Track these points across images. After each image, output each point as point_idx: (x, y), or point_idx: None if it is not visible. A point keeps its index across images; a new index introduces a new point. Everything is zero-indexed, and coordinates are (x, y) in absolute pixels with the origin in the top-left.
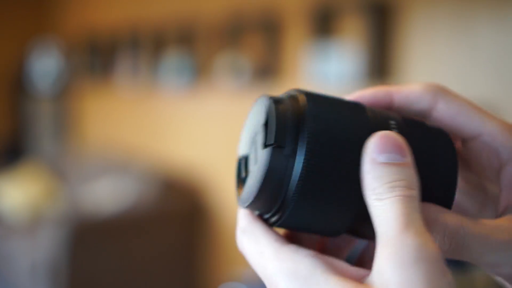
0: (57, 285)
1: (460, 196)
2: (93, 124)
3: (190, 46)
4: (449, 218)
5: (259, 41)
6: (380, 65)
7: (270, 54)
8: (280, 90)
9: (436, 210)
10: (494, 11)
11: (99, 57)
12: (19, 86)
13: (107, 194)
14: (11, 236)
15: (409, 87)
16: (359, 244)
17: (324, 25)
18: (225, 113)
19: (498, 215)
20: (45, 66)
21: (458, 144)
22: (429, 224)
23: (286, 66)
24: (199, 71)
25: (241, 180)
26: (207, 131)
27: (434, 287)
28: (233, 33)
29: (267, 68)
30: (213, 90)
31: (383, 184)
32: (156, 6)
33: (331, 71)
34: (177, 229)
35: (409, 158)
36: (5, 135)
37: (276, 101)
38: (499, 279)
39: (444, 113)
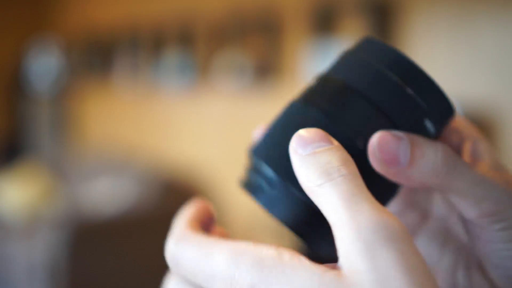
0: (56, 286)
1: None
2: (92, 123)
3: (190, 46)
4: (438, 145)
5: (259, 40)
6: None
7: (271, 53)
8: (281, 89)
9: (423, 140)
10: (494, 11)
11: (98, 56)
12: (17, 85)
13: (106, 195)
14: (9, 237)
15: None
16: None
17: (324, 25)
18: (225, 113)
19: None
20: (44, 65)
21: None
22: (421, 149)
23: (286, 65)
24: (199, 71)
25: None
26: (207, 131)
27: (409, 268)
28: (233, 32)
29: (268, 67)
30: (213, 90)
31: (317, 171)
32: (155, 5)
33: None
34: None
35: (336, 142)
36: (4, 134)
37: None
38: (479, 222)
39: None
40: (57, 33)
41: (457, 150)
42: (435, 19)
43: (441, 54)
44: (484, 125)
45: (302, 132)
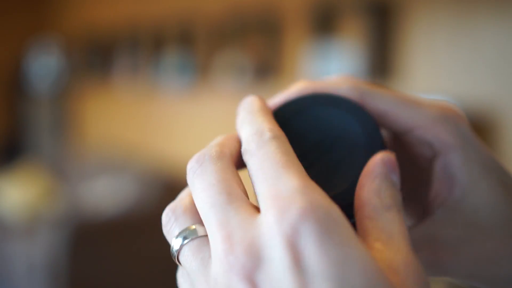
0: (56, 286)
1: None
2: (92, 123)
3: (190, 46)
4: None
5: (259, 40)
6: (380, 65)
7: (271, 53)
8: (280, 89)
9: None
10: (495, 11)
11: (98, 56)
12: (17, 85)
13: (106, 195)
14: (9, 237)
15: (334, 85)
16: None
17: (324, 25)
18: (225, 113)
19: (429, 206)
20: (44, 65)
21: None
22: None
23: (286, 65)
24: (199, 71)
25: None
26: (207, 130)
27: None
28: (233, 32)
29: (268, 67)
30: (213, 90)
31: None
32: (155, 5)
33: (332, 70)
34: None
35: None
36: (4, 134)
37: None
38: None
39: (373, 111)
40: (57, 33)
41: (429, 165)
42: (435, 19)
43: (441, 54)
44: (484, 125)
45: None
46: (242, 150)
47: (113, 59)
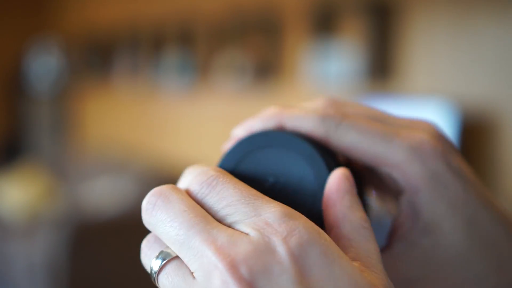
0: (56, 286)
1: None
2: (92, 123)
3: (190, 46)
4: None
5: (259, 40)
6: (380, 65)
7: (271, 53)
8: (280, 89)
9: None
10: (495, 11)
11: (98, 56)
12: (17, 85)
13: (106, 195)
14: (9, 237)
15: (300, 120)
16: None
17: (324, 25)
18: (225, 113)
19: (390, 235)
20: (44, 65)
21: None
22: None
23: (286, 65)
24: (199, 71)
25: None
26: (207, 130)
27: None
28: (233, 32)
29: (268, 67)
30: (213, 90)
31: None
32: (155, 5)
33: (332, 70)
34: None
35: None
36: (4, 134)
37: None
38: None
39: (339, 147)
40: (57, 33)
41: (395, 198)
42: (435, 19)
43: (441, 54)
44: (483, 125)
45: None
46: (196, 195)
47: (113, 59)
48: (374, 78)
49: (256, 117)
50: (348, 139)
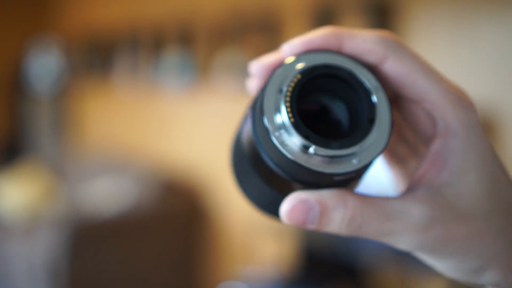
0: (56, 286)
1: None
2: (92, 123)
3: (190, 46)
4: (348, 206)
5: (259, 40)
6: None
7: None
8: None
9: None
10: (494, 11)
11: (98, 56)
12: (17, 85)
13: (106, 195)
14: (10, 237)
15: (362, 36)
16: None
17: (324, 25)
18: (225, 113)
19: (411, 184)
20: (44, 65)
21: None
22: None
23: None
24: (199, 71)
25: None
26: (207, 131)
27: None
28: (233, 32)
29: None
30: (213, 90)
31: None
32: (155, 5)
33: None
34: (177, 229)
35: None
36: (4, 134)
37: None
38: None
39: (392, 71)
40: (57, 33)
41: (428, 141)
42: (435, 19)
43: (441, 54)
44: (484, 126)
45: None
46: None
47: (113, 59)
48: None
49: (313, 32)
50: (404, 64)
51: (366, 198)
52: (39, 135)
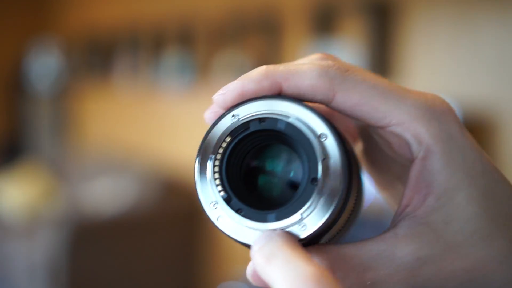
0: (56, 286)
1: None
2: (92, 123)
3: (190, 46)
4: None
5: (259, 40)
6: (380, 65)
7: (271, 53)
8: None
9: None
10: (494, 11)
11: (98, 56)
12: (17, 85)
13: (106, 195)
14: (10, 236)
15: (300, 74)
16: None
17: (324, 25)
18: None
19: (397, 215)
20: (44, 65)
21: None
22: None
23: None
24: (199, 71)
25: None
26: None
27: None
28: (233, 32)
29: None
30: (213, 90)
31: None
32: (155, 5)
33: None
34: (177, 229)
35: None
36: (4, 134)
37: None
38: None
39: (344, 105)
40: (57, 33)
41: (406, 168)
42: (435, 19)
43: (441, 54)
44: (483, 125)
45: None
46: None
47: (113, 59)
48: None
49: (245, 77)
50: (355, 94)
51: (339, 248)
52: (39, 135)
